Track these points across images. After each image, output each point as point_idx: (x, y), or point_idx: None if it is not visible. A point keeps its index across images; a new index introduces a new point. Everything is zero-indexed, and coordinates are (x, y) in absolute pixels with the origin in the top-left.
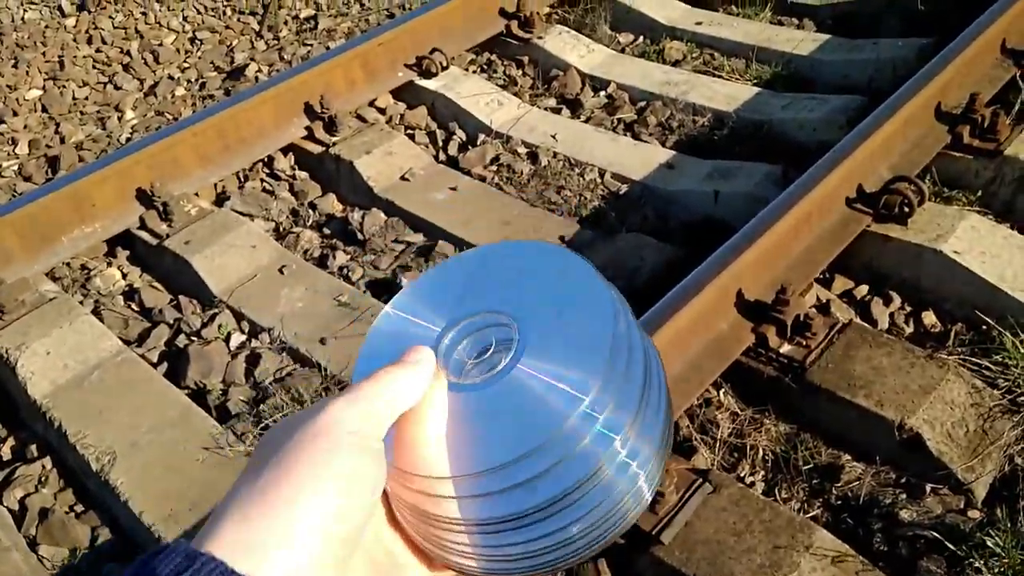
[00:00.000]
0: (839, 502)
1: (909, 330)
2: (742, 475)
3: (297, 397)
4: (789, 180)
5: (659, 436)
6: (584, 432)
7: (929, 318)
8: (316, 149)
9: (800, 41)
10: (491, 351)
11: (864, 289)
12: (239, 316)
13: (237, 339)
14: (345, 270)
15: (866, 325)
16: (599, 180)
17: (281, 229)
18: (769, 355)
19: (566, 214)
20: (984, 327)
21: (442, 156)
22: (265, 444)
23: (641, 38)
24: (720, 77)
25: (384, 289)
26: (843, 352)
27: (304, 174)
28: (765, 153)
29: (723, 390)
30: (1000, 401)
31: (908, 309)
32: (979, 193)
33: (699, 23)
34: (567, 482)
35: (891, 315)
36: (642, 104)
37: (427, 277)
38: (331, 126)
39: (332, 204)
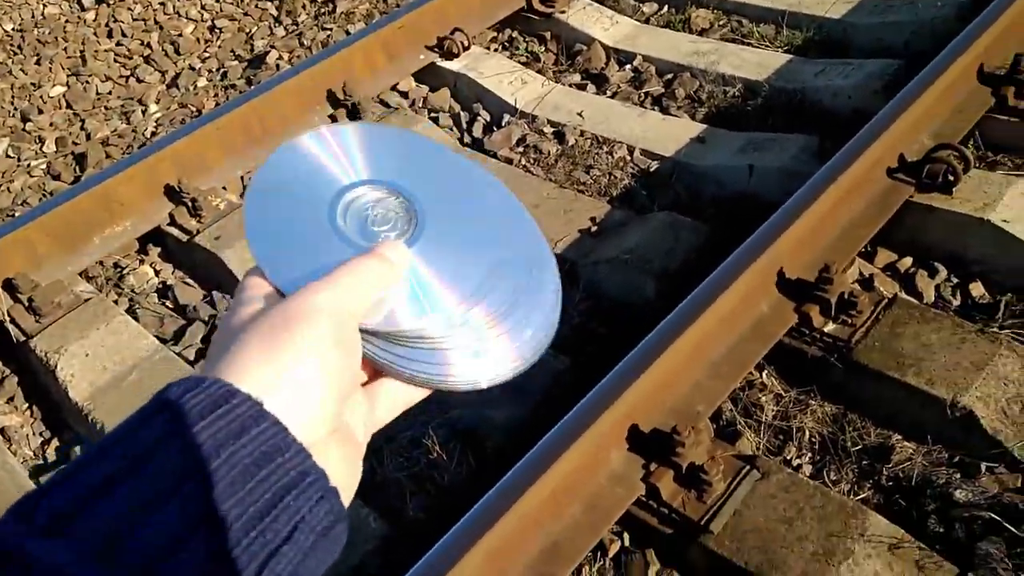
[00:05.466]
0: (890, 483)
1: (956, 303)
2: (789, 458)
3: None
4: (826, 151)
5: (526, 335)
6: (426, 325)
7: (977, 289)
8: None
9: (832, 4)
10: (388, 227)
11: (908, 262)
12: None
13: None
14: None
15: (913, 300)
16: (628, 157)
17: None
18: (813, 335)
19: (595, 194)
20: None
21: (467, 138)
22: (237, 315)
23: (666, 7)
24: (749, 45)
25: None
26: (890, 329)
27: None
28: (799, 123)
29: (766, 372)
30: None
31: (955, 281)
32: None
33: None
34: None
35: (937, 287)
36: (669, 76)
37: (374, 129)
38: (355, 113)
39: None
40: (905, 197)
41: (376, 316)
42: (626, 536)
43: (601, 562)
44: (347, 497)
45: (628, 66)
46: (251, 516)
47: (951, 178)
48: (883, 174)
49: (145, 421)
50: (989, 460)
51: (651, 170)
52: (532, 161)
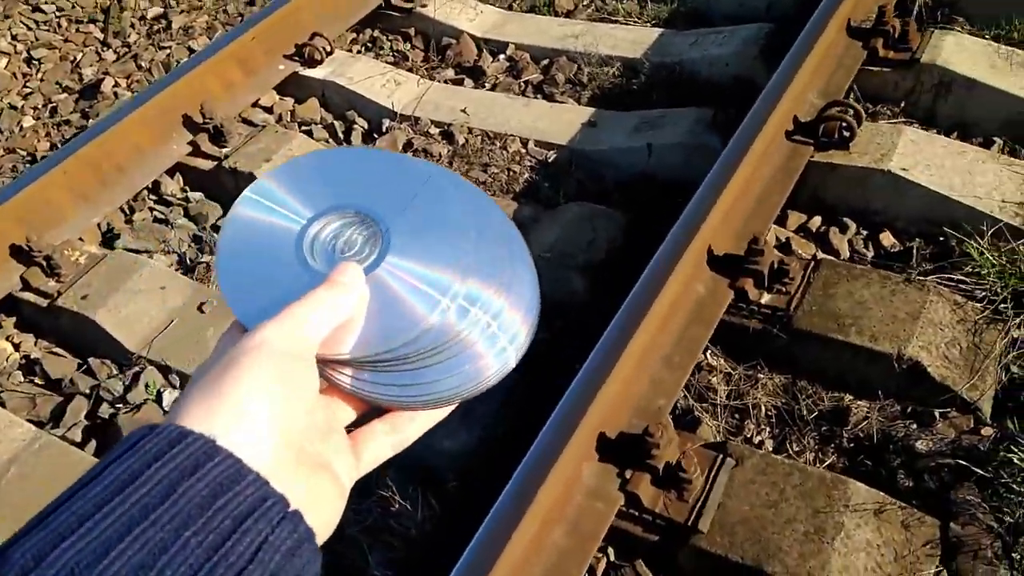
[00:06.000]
0: (852, 445)
1: (870, 254)
2: (749, 436)
3: None
4: (719, 122)
5: (525, 304)
6: (443, 319)
7: (887, 239)
8: (207, 165)
9: None
10: (357, 248)
11: (818, 221)
12: (165, 370)
13: (171, 396)
14: None
15: (836, 260)
16: (523, 150)
17: (188, 261)
18: (751, 308)
19: (498, 192)
20: (942, 238)
21: None
22: (207, 363)
23: None
24: (617, 22)
25: None
26: (823, 291)
27: (198, 194)
28: (682, 96)
29: (711, 352)
30: (983, 313)
31: (864, 233)
32: (902, 104)
33: None
34: (431, 343)
35: (850, 242)
36: (546, 62)
37: (288, 167)
38: (218, 136)
39: None
40: (807, 158)
41: (347, 343)
42: (611, 551)
43: None
44: (324, 532)
45: (502, 56)
46: (212, 542)
47: (847, 134)
48: (783, 138)
49: (102, 472)
50: (941, 406)
51: (549, 160)
52: None
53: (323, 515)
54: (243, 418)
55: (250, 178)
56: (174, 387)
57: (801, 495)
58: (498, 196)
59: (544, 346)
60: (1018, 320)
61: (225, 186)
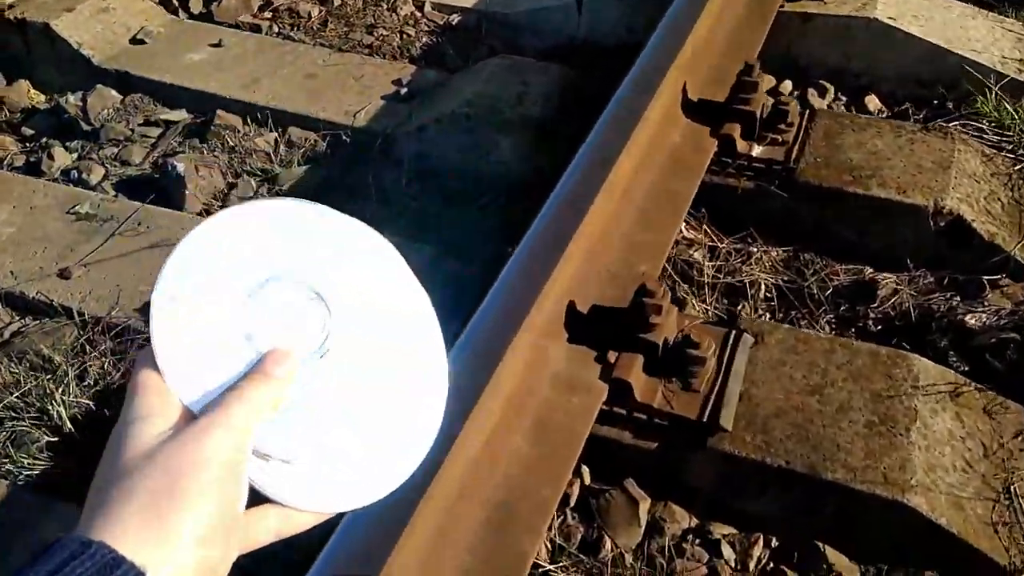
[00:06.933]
0: (880, 327)
1: None
2: None
3: (44, 365)
4: None
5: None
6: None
7: (873, 103)
8: None
9: None
10: (303, 332)
11: (789, 85)
12: None
13: None
14: (75, 172)
15: (832, 111)
16: (419, 14)
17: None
18: (739, 163)
19: (389, 56)
20: (936, 101)
21: (183, 14)
22: (140, 452)
23: None
24: None
25: (148, 187)
26: (826, 142)
27: None
28: None
29: (687, 223)
30: (1015, 166)
31: (844, 100)
32: None
33: None
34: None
35: (829, 107)
36: None
37: (219, 223)
38: None
39: (26, 93)
40: (777, 5)
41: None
42: (586, 471)
43: (562, 517)
44: None
45: None
46: None
47: None
48: None
49: None
50: (987, 272)
51: (453, 24)
52: (291, 27)
53: None
54: (176, 551)
55: (44, 30)
56: None
57: (852, 376)
58: (390, 60)
59: (450, 238)
60: None
61: (10, 47)
